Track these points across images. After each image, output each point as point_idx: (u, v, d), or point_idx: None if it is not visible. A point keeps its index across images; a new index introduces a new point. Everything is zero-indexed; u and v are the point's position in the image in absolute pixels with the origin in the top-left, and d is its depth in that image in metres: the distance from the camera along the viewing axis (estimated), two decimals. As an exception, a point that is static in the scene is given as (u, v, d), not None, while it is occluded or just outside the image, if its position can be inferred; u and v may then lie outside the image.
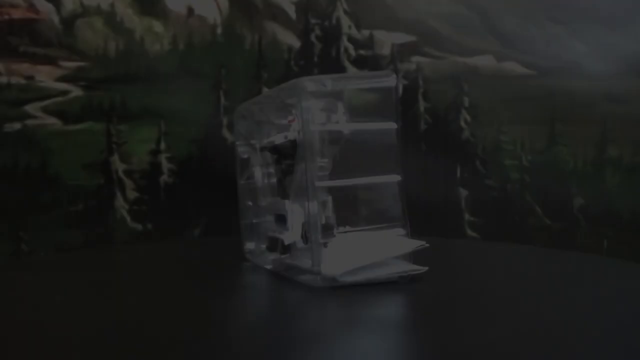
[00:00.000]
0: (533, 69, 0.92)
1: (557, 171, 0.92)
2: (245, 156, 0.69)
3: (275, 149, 0.61)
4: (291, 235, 0.59)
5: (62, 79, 0.94)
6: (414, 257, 0.53)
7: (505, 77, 0.93)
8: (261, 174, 0.69)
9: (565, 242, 0.91)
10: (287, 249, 0.59)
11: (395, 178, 0.53)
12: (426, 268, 0.53)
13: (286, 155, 0.60)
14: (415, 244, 0.52)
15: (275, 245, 0.61)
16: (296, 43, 0.95)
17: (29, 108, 0.94)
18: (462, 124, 0.93)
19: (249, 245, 0.69)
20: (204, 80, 0.96)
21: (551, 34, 0.92)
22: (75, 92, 0.94)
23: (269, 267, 0.64)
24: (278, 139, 0.60)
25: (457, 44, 0.93)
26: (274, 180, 0.66)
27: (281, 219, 0.61)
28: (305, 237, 0.60)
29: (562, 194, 0.92)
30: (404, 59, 0.93)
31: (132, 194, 0.96)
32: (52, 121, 0.94)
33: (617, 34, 0.91)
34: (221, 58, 0.95)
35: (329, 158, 0.54)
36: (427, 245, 0.52)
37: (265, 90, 0.95)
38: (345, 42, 0.94)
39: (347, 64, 0.94)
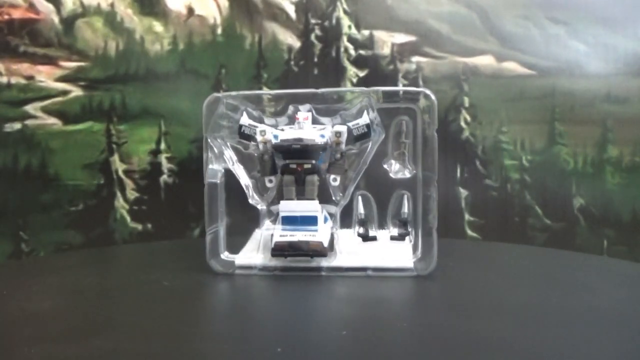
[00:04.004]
0: (533, 69, 0.92)
1: (557, 171, 0.92)
2: (217, 151, 0.64)
3: (309, 148, 0.59)
4: (324, 235, 0.59)
5: (62, 79, 0.94)
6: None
7: (505, 77, 0.93)
8: (244, 171, 0.65)
9: (565, 242, 0.91)
10: (325, 250, 0.58)
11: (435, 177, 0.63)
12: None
13: (311, 155, 0.59)
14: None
15: (299, 248, 0.59)
16: (296, 43, 0.95)
17: (29, 108, 0.94)
18: (462, 124, 0.93)
19: (223, 256, 0.65)
20: (204, 80, 0.96)
21: (551, 34, 0.92)
22: (75, 92, 0.94)
23: (278, 273, 0.62)
24: (313, 136, 0.59)
25: (457, 44, 0.93)
26: (266, 178, 0.63)
27: (301, 221, 0.59)
28: (363, 235, 0.63)
29: (562, 194, 0.92)
30: (404, 59, 0.93)
31: (132, 194, 0.96)
32: (52, 121, 0.94)
33: (617, 34, 0.91)
34: (221, 58, 0.95)
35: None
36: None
37: (265, 90, 0.94)
38: (345, 42, 0.94)
39: (347, 64, 0.94)
